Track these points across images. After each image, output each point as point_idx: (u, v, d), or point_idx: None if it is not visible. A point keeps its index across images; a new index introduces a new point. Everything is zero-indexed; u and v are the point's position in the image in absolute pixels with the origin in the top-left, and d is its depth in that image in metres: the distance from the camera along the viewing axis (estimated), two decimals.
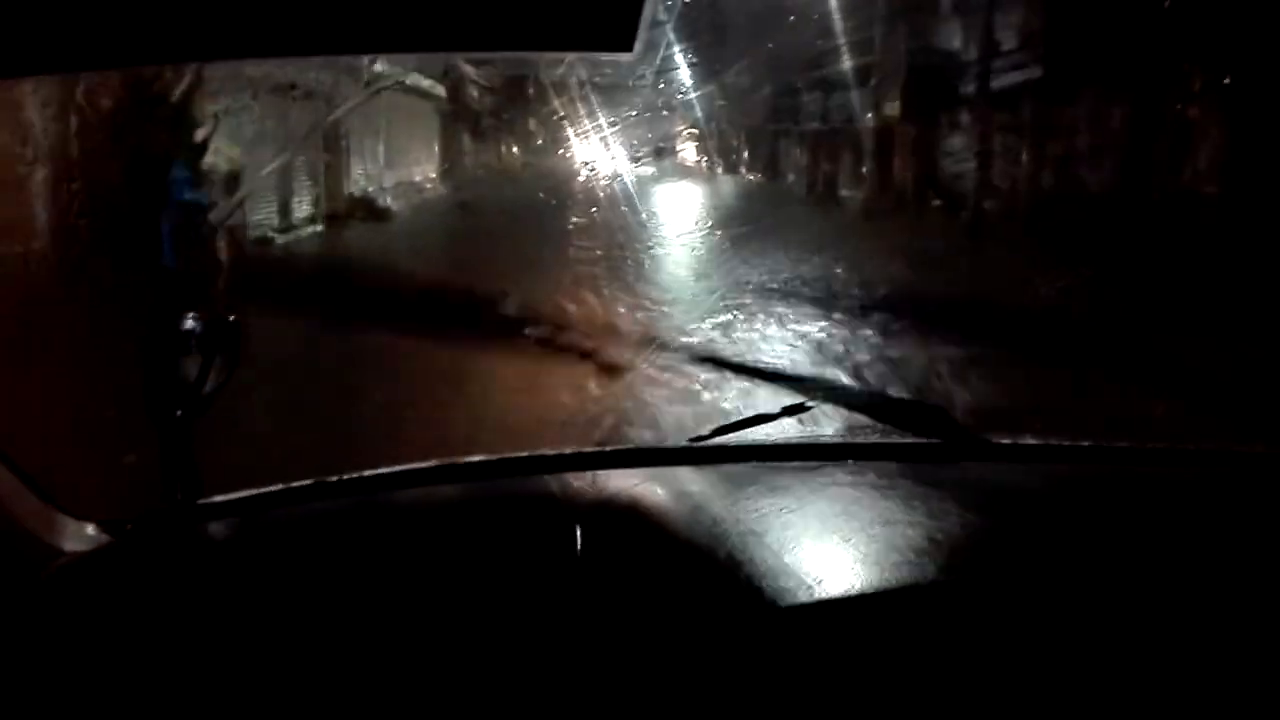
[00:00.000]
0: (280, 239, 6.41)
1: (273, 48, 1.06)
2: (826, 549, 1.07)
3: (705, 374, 3.00)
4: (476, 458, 1.34)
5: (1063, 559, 1.02)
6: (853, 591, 0.92)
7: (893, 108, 9.66)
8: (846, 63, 8.38)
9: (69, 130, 3.71)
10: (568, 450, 1.37)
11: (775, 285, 4.01)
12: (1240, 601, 0.95)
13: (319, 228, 6.98)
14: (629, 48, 1.11)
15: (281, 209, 6.57)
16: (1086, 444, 1.43)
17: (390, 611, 0.90)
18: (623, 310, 3.79)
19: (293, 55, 1.21)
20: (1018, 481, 1.30)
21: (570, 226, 4.97)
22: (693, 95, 5.45)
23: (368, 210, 7.56)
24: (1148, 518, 1.14)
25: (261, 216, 6.13)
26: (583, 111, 4.71)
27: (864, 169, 10.19)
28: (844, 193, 10.31)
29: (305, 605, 0.92)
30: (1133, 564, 1.02)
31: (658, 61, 4.64)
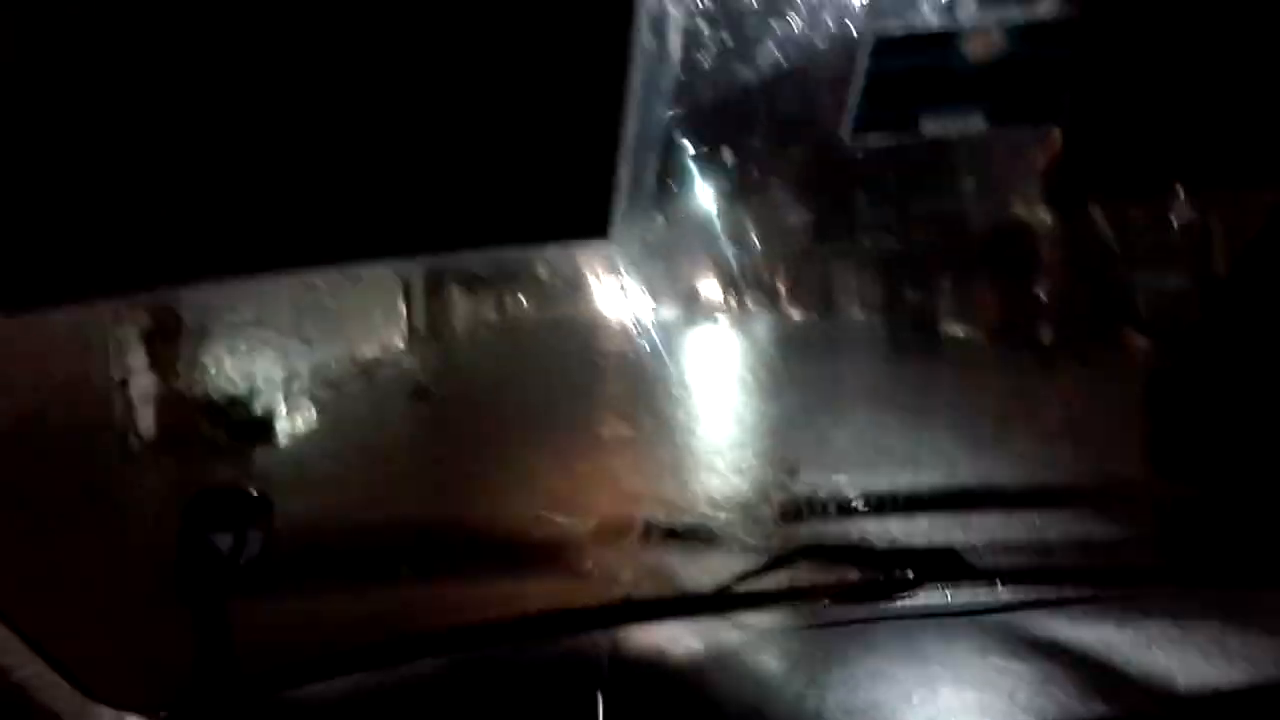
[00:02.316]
0: None
1: (244, 266, 1.40)
2: (865, 701, 1.31)
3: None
4: (499, 620, 1.63)
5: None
6: None
7: (1024, 204, 7.25)
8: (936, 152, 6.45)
9: None
10: (590, 605, 1.66)
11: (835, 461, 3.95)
12: None
13: None
14: (604, 234, 1.44)
15: None
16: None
17: None
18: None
19: (266, 271, 1.55)
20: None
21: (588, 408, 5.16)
22: (715, 223, 5.75)
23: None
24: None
25: None
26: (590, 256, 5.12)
27: (982, 295, 8.00)
28: (951, 330, 8.21)
29: None
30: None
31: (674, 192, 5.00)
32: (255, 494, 1.44)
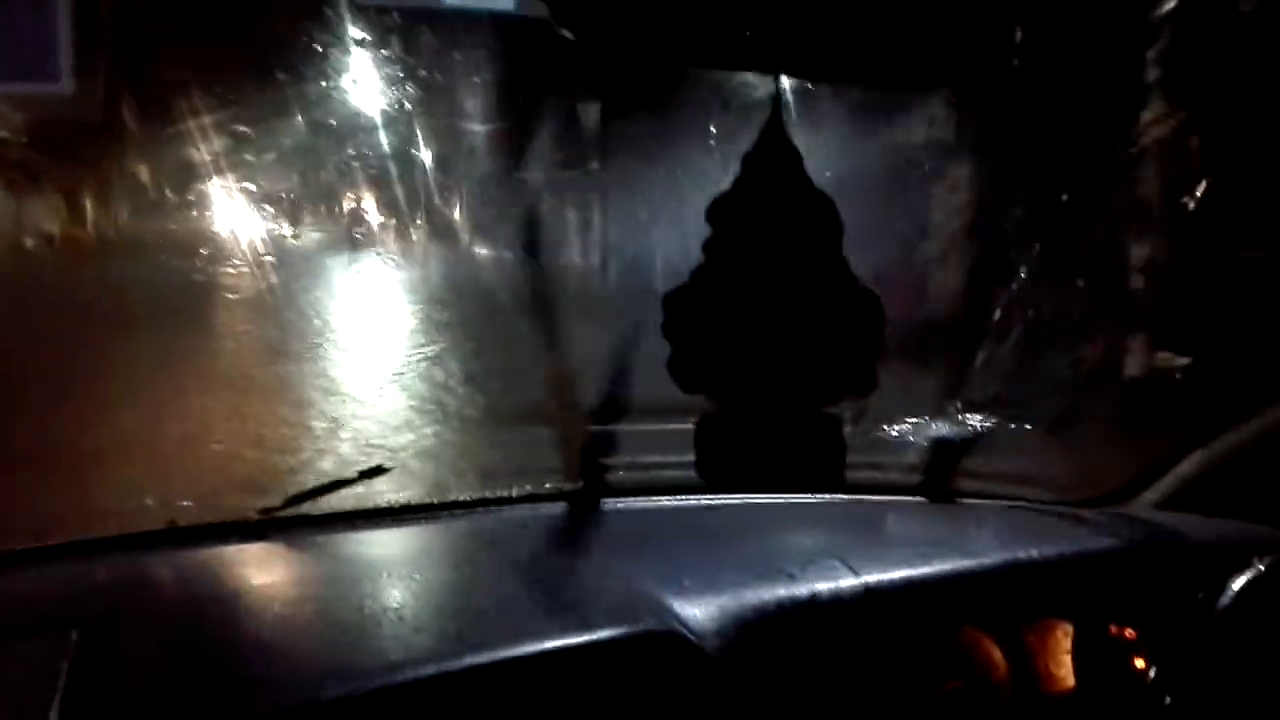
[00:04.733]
0: None
1: None
2: (411, 608, 1.60)
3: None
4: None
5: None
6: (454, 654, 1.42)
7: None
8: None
9: None
10: (113, 533, 1.81)
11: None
12: None
13: None
14: (56, 79, 2.66)
15: None
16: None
17: None
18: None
19: None
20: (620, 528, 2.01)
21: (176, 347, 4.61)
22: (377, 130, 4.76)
23: None
24: None
25: None
26: (212, 146, 4.42)
27: None
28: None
29: None
30: None
31: (325, 87, 4.26)
32: None
